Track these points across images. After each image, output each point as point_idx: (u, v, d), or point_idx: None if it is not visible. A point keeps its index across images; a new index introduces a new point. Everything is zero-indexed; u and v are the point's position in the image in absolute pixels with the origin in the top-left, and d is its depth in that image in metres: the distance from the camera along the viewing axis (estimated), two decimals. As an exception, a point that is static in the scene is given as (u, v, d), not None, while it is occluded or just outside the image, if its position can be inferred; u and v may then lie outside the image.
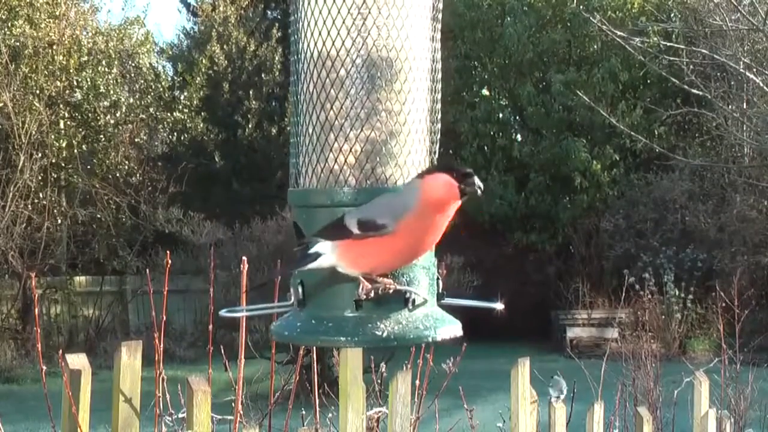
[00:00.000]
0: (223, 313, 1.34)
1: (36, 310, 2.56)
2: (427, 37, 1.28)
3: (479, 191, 1.19)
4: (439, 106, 1.30)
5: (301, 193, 1.28)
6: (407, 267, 1.23)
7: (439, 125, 1.31)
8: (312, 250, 1.20)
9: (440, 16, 1.30)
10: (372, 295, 1.19)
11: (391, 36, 1.22)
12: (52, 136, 13.29)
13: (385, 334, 1.19)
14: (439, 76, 1.30)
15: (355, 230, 1.18)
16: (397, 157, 1.24)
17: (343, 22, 1.22)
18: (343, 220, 1.19)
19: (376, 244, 1.17)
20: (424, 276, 1.25)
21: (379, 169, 1.23)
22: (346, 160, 1.23)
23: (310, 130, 1.25)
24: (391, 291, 1.20)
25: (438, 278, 1.28)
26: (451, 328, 1.24)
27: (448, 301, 1.30)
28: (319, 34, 1.23)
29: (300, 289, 1.24)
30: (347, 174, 1.23)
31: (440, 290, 1.28)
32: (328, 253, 1.19)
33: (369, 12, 1.22)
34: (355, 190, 1.22)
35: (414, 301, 1.21)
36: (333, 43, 1.22)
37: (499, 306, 1.35)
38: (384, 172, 1.23)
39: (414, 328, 1.21)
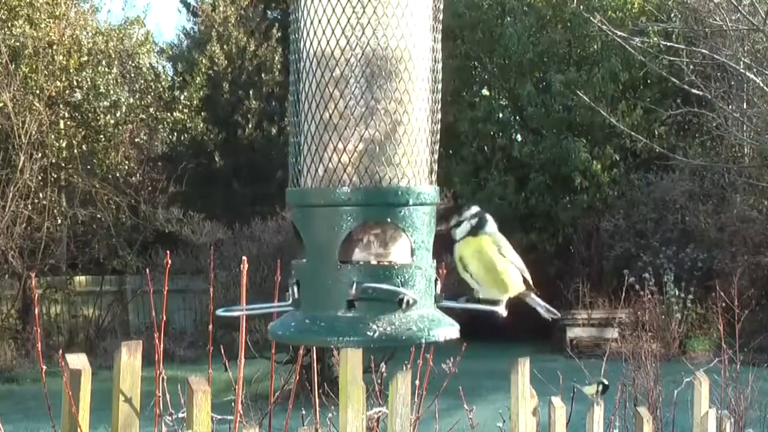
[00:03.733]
0: (219, 312, 1.33)
1: (36, 310, 2.57)
2: (428, 36, 1.26)
3: None
4: (439, 105, 1.29)
5: (299, 192, 1.27)
6: (403, 268, 1.21)
7: (439, 125, 1.30)
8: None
9: (441, 15, 1.29)
10: (363, 295, 1.18)
11: (390, 35, 1.21)
12: (52, 136, 13.29)
13: (376, 335, 1.17)
14: (440, 76, 1.29)
15: None
16: (397, 157, 1.23)
17: (343, 21, 1.20)
18: None
19: None
20: (420, 277, 1.23)
21: (379, 168, 1.22)
22: (348, 159, 1.22)
23: (312, 129, 1.24)
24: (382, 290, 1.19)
25: (436, 280, 1.26)
26: (448, 330, 1.23)
27: (446, 303, 1.29)
28: (322, 32, 1.22)
29: (295, 289, 1.23)
30: (347, 173, 1.22)
31: (438, 292, 1.26)
32: None
33: (369, 10, 1.21)
34: (353, 189, 1.21)
35: (408, 302, 1.20)
36: (333, 42, 1.21)
37: (501, 310, 1.34)
38: (384, 172, 1.22)
39: (407, 330, 1.19)
